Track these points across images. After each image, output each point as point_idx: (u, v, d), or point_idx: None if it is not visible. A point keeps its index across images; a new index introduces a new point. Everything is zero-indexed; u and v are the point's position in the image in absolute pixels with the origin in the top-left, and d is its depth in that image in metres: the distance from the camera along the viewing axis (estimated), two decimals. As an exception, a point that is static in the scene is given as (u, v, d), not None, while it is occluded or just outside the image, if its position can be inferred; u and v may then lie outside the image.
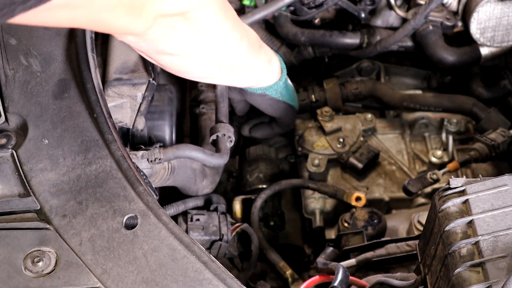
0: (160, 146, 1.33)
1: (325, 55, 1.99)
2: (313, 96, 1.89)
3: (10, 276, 1.04)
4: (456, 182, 1.07)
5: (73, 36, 1.30)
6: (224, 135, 1.39)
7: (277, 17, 1.88)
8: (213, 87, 1.88)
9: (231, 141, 1.40)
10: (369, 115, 1.84)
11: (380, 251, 1.40)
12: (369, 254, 1.40)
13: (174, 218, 1.52)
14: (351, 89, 1.90)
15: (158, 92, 1.60)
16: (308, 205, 1.75)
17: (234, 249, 1.58)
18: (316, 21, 1.91)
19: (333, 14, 1.95)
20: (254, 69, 1.38)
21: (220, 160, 1.35)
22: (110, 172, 1.11)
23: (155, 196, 1.14)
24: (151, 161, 1.27)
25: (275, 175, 1.81)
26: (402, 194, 1.70)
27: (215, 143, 1.40)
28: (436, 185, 1.67)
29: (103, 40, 1.37)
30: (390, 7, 1.88)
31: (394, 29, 1.89)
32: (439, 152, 1.81)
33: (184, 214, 1.54)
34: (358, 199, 1.66)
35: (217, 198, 1.62)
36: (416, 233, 1.56)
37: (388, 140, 1.87)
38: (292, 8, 1.87)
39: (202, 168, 1.57)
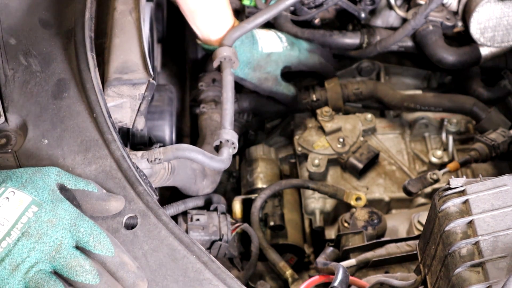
0: (160, 146, 1.33)
1: (325, 55, 1.99)
2: (314, 95, 1.89)
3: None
4: (456, 182, 1.07)
5: (72, 35, 1.30)
6: (228, 141, 1.39)
7: (277, 17, 1.87)
8: (215, 87, 1.89)
9: (234, 148, 1.40)
10: (369, 115, 1.84)
11: (380, 251, 1.40)
12: (369, 254, 1.40)
13: (174, 218, 1.52)
14: (352, 89, 1.90)
15: (158, 92, 1.60)
16: (308, 205, 1.75)
17: (234, 249, 1.58)
18: (316, 21, 1.91)
19: (333, 14, 1.95)
20: None
21: (220, 164, 1.34)
22: (109, 172, 1.11)
23: (155, 196, 1.13)
24: (151, 161, 1.27)
25: (275, 175, 1.81)
26: (402, 194, 1.70)
27: (218, 149, 1.39)
28: (436, 185, 1.67)
29: (103, 40, 1.37)
30: (390, 7, 1.88)
31: (394, 29, 1.89)
32: (439, 152, 1.81)
33: (184, 214, 1.53)
34: (358, 199, 1.66)
35: (217, 198, 1.61)
36: (416, 233, 1.56)
37: (388, 140, 1.87)
38: (292, 8, 1.87)
39: (203, 168, 1.57)
